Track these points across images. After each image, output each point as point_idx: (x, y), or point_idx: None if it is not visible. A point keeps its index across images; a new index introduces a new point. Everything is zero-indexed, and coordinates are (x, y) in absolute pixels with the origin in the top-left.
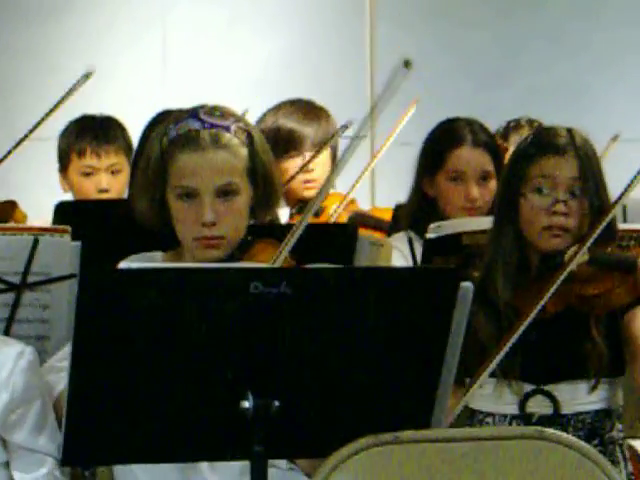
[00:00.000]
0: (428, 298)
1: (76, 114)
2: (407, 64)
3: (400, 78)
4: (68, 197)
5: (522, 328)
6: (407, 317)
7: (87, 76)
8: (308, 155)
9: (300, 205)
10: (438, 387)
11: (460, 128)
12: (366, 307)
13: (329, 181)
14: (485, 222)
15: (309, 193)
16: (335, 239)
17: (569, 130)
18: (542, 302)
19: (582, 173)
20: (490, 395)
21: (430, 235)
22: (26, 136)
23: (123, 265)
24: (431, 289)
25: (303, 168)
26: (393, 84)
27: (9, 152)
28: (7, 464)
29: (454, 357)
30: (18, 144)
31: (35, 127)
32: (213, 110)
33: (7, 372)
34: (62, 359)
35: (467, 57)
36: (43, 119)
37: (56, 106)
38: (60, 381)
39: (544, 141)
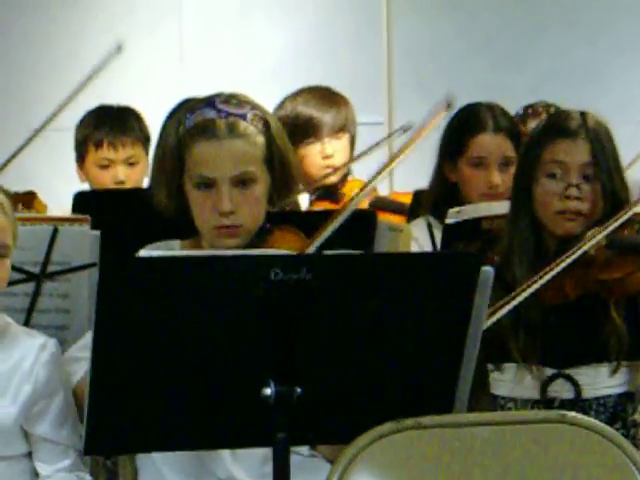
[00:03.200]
0: (449, 283)
1: (93, 104)
2: (449, 106)
3: (440, 116)
4: (86, 187)
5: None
6: (429, 302)
7: (119, 48)
8: (327, 141)
9: (319, 192)
10: (460, 372)
11: (481, 113)
12: (387, 293)
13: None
14: (505, 207)
15: (328, 179)
16: (354, 225)
17: (582, 113)
18: (553, 273)
19: (594, 157)
20: (511, 380)
21: (450, 220)
22: (48, 121)
23: (143, 253)
24: (452, 274)
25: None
26: (433, 121)
27: (28, 141)
28: (29, 455)
29: (475, 341)
30: (38, 132)
31: (58, 110)
32: (229, 98)
33: (30, 364)
34: (82, 349)
35: (483, 41)
36: (66, 102)
37: (83, 84)
38: (78, 370)
39: (556, 125)
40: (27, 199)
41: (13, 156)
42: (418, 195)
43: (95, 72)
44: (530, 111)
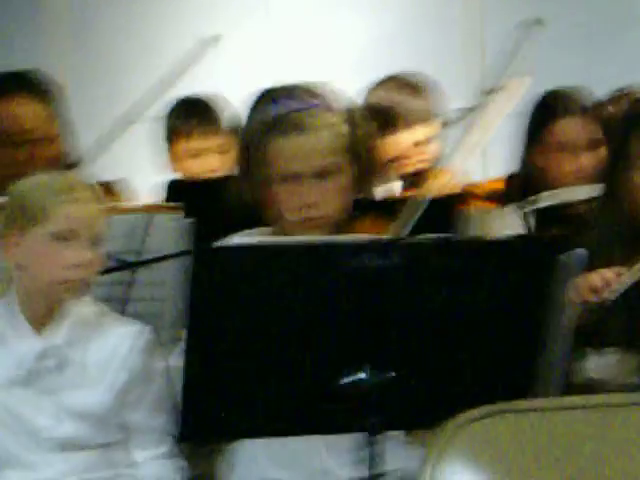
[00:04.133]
0: (530, 267)
1: (180, 92)
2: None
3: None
4: (176, 177)
5: None
6: (514, 286)
7: (216, 39)
8: (416, 128)
9: (411, 179)
10: (538, 355)
11: (565, 97)
12: (474, 276)
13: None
14: (593, 190)
15: (421, 166)
16: (439, 211)
17: None
18: None
19: None
20: (614, 365)
21: (539, 205)
22: (139, 112)
23: (235, 240)
24: (532, 258)
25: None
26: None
27: (120, 131)
28: (123, 442)
29: (560, 323)
30: (129, 122)
31: (152, 100)
32: (309, 90)
33: (126, 352)
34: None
35: (578, 27)
36: (160, 92)
37: (177, 75)
38: None
39: None
40: (112, 189)
41: (104, 146)
42: (511, 179)
43: (190, 62)
44: (620, 94)
